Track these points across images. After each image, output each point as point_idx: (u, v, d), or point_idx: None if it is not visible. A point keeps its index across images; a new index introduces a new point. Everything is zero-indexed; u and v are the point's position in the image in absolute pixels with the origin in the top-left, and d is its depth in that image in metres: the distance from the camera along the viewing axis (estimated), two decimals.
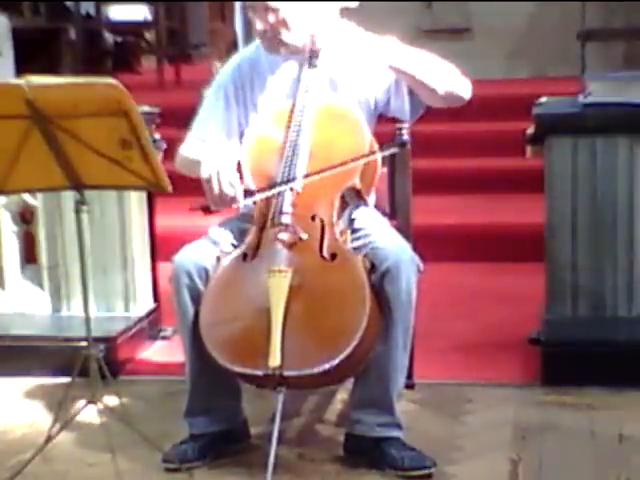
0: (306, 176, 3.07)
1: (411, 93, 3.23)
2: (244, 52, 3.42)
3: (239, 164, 3.18)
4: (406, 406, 3.42)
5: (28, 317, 4.35)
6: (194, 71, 8.20)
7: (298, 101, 3.18)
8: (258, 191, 3.09)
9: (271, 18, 3.13)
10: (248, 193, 3.08)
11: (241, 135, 3.30)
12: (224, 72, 3.36)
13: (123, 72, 8.61)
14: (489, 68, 7.37)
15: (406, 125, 3.24)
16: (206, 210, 3.01)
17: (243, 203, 3.07)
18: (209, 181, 3.01)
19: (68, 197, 3.90)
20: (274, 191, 3.08)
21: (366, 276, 2.97)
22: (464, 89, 3.19)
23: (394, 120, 3.28)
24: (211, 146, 3.21)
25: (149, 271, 4.40)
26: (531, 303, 4.17)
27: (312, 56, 3.20)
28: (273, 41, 3.17)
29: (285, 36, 3.16)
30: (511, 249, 5.20)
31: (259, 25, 3.15)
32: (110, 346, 3.96)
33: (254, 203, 3.17)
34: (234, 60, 3.39)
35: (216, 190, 3.00)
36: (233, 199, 3.02)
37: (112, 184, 3.05)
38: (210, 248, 3.12)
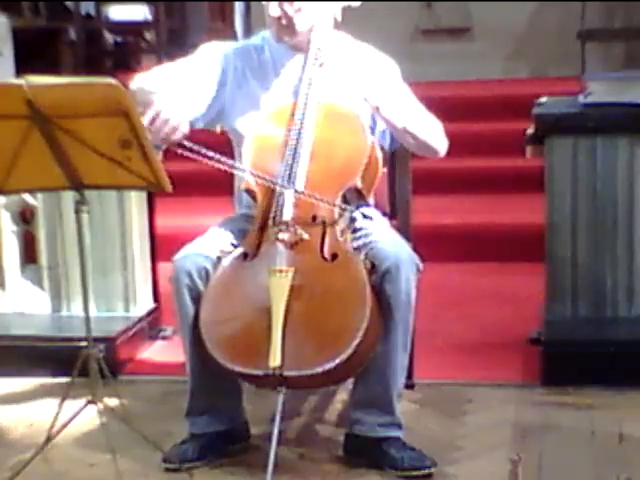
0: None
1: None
2: (250, 40, 3.41)
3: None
4: (406, 406, 3.42)
5: (28, 317, 4.35)
6: None
7: (300, 98, 3.18)
8: (208, 157, 3.03)
9: (287, 6, 3.14)
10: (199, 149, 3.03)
11: (213, 104, 3.25)
12: (228, 45, 3.35)
13: (123, 72, 8.60)
14: (489, 68, 7.39)
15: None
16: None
17: (178, 145, 2.97)
18: (161, 103, 2.96)
19: (68, 197, 3.91)
20: (231, 169, 3.06)
21: (367, 276, 2.97)
22: (440, 146, 3.21)
23: None
24: (176, 88, 3.15)
25: (149, 271, 4.40)
26: (531, 303, 4.17)
27: (318, 52, 3.20)
28: (285, 28, 3.18)
29: (298, 25, 3.16)
30: (511, 249, 5.20)
31: (274, 12, 3.16)
32: (110, 346, 3.96)
33: (241, 197, 3.16)
34: (240, 42, 3.40)
35: (164, 115, 2.94)
36: (170, 133, 2.96)
37: (112, 184, 3.05)
38: (210, 248, 3.12)
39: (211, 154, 2.96)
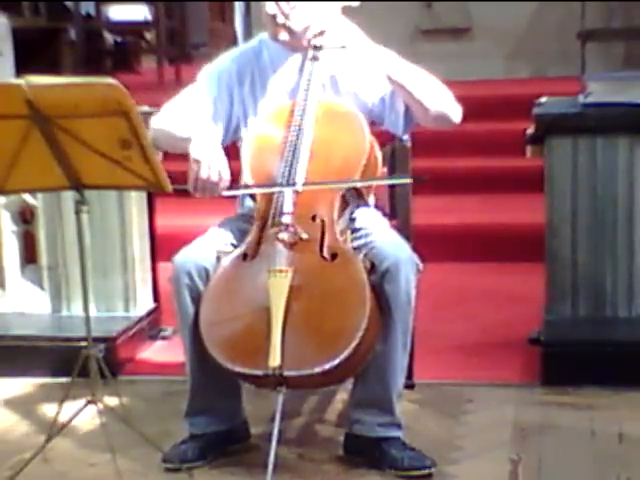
0: (305, 184, 3.07)
1: (405, 108, 3.23)
2: (247, 44, 3.42)
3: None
4: (406, 406, 3.42)
5: (28, 317, 4.35)
6: (194, 71, 8.13)
7: (299, 98, 3.18)
8: (247, 186, 3.10)
9: (283, 4, 3.15)
10: (238, 186, 3.06)
11: (229, 124, 3.28)
12: (225, 58, 3.36)
13: (123, 72, 8.61)
14: (489, 68, 7.39)
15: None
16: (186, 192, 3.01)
17: (225, 194, 3.05)
18: (198, 163, 3.01)
19: (68, 197, 3.90)
20: (264, 190, 3.09)
21: (366, 276, 2.97)
22: (455, 113, 3.19)
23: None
24: (198, 125, 3.18)
25: (149, 271, 4.40)
26: (531, 303, 4.17)
27: (315, 50, 3.20)
28: (281, 27, 3.18)
29: (294, 23, 3.17)
30: (511, 249, 5.19)
31: (271, 10, 3.16)
32: (110, 346, 3.96)
33: (244, 198, 3.22)
34: (237, 50, 3.40)
35: (203, 175, 3.00)
36: (215, 188, 3.02)
37: (112, 184, 3.05)
38: (210, 248, 3.11)
39: (252, 183, 3.11)
